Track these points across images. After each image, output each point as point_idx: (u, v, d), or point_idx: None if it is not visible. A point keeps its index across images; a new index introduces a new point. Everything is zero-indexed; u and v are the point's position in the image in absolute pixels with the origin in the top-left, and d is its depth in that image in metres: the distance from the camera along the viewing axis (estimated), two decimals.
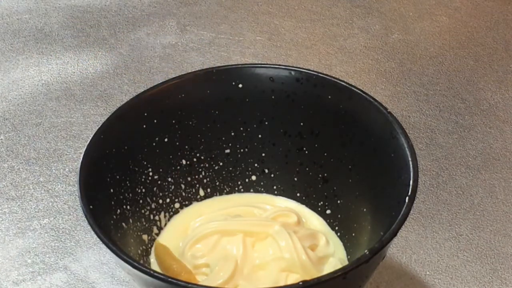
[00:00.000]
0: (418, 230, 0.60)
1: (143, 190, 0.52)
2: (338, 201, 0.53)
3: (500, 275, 0.57)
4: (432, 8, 0.87)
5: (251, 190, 0.56)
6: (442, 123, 0.70)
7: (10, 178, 0.66)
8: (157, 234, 0.53)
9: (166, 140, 0.53)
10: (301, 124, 0.53)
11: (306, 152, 0.54)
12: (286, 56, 0.79)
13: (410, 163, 0.46)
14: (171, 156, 0.54)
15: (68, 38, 0.83)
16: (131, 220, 0.50)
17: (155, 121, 0.52)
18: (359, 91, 0.51)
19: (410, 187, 0.45)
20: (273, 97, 0.53)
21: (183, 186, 0.55)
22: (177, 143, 0.54)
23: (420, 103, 0.73)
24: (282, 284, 0.47)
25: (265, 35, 0.83)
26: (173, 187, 0.54)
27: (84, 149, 0.47)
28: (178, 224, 0.54)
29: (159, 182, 0.53)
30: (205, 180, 0.55)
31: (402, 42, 0.81)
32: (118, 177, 0.49)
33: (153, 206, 0.53)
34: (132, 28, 0.84)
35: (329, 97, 0.52)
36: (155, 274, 0.41)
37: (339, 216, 0.53)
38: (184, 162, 0.54)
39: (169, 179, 0.54)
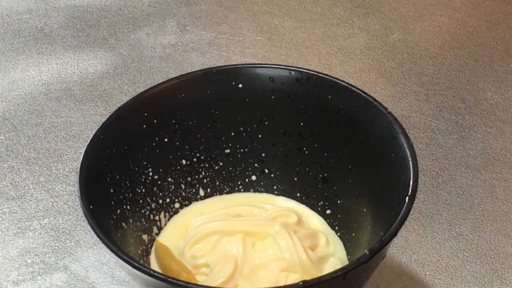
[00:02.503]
0: (418, 230, 0.60)
1: (143, 190, 0.52)
2: (338, 201, 0.53)
3: (500, 275, 0.57)
4: (432, 8, 0.87)
5: (251, 190, 0.56)
6: (442, 123, 0.70)
7: (10, 178, 0.66)
8: (157, 234, 0.53)
9: (166, 140, 0.53)
10: (301, 124, 0.53)
11: (306, 152, 0.54)
12: (286, 56, 0.79)
13: (410, 163, 0.46)
14: (171, 156, 0.54)
15: (68, 38, 0.83)
16: (131, 220, 0.50)
17: (155, 121, 0.52)
18: (359, 91, 0.51)
19: (410, 187, 0.45)
20: (273, 97, 0.53)
21: (183, 186, 0.55)
22: (177, 143, 0.54)
23: (420, 103, 0.73)
24: (282, 284, 0.47)
25: (265, 35, 0.83)
26: (173, 187, 0.54)
27: (84, 149, 0.47)
28: (178, 224, 0.54)
29: (159, 182, 0.53)
30: (205, 180, 0.55)
31: (402, 42, 0.81)
32: (118, 177, 0.49)
33: (153, 206, 0.53)
34: (132, 28, 0.84)
35: (329, 97, 0.52)
36: (155, 274, 0.41)
37: (339, 216, 0.53)
38: (184, 162, 0.54)
39: (169, 179, 0.54)
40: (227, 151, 0.55)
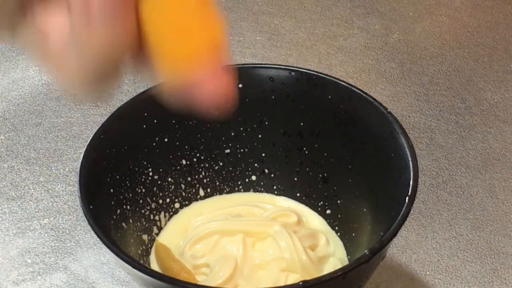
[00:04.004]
0: (418, 230, 0.60)
1: (143, 190, 0.52)
2: (338, 201, 0.53)
3: (500, 275, 0.57)
4: (432, 8, 0.87)
5: (251, 190, 0.56)
6: (442, 123, 0.70)
7: (10, 178, 0.66)
8: (157, 234, 0.53)
9: (166, 140, 0.53)
10: (301, 124, 0.53)
11: (306, 152, 0.54)
12: (286, 56, 0.79)
13: (410, 163, 0.46)
14: (171, 156, 0.54)
15: None
16: (131, 220, 0.50)
17: (155, 121, 0.52)
18: (359, 91, 0.51)
19: (410, 187, 0.45)
20: (273, 97, 0.53)
21: (183, 186, 0.55)
22: (177, 143, 0.53)
23: (420, 103, 0.73)
24: (282, 284, 0.47)
25: (265, 35, 0.83)
26: (173, 187, 0.54)
27: (84, 149, 0.47)
28: (178, 224, 0.54)
29: (159, 182, 0.53)
30: (205, 180, 0.55)
31: (402, 42, 0.81)
32: (118, 177, 0.49)
33: (153, 206, 0.53)
34: None
35: (329, 97, 0.52)
36: (155, 274, 0.41)
37: (339, 216, 0.53)
38: (184, 162, 0.54)
39: (169, 179, 0.54)
40: (227, 151, 0.55)
